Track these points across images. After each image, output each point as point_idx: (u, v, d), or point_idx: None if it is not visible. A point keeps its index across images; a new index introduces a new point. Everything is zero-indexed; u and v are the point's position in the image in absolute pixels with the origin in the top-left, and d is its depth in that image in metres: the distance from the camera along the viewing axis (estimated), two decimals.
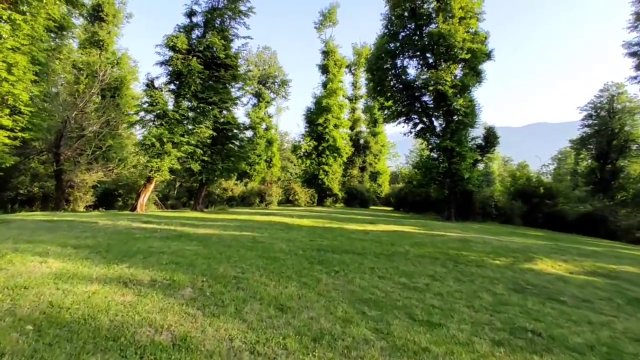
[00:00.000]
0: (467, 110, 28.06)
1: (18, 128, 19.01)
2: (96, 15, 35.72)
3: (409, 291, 7.24)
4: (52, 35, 25.68)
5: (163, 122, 21.25)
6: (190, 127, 21.97)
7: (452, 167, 27.88)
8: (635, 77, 31.25)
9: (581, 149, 45.43)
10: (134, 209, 21.12)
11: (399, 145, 70.52)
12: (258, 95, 50.70)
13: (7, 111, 18.65)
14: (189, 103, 22.50)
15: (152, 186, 21.66)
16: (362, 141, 51.76)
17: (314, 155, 42.59)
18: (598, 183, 41.15)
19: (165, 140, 20.62)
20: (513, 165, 66.29)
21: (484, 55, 28.64)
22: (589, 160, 46.28)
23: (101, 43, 35.31)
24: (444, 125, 29.43)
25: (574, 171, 54.31)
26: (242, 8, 23.86)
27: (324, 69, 43.18)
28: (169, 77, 22.48)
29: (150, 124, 21.40)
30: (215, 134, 22.70)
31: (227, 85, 23.61)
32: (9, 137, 18.33)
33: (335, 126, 43.30)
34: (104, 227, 12.38)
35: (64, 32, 26.50)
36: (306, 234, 13.96)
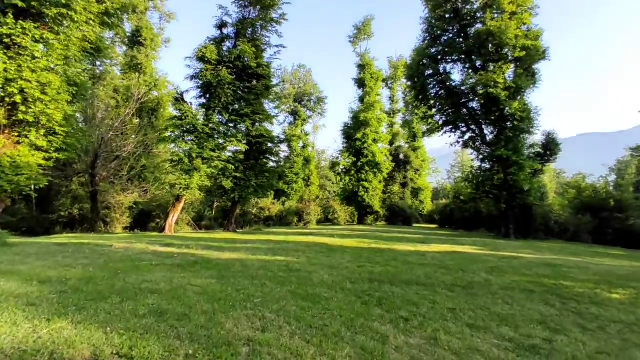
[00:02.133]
0: (522, 114, 24.57)
1: (52, 149, 17.70)
2: (135, 40, 35.43)
3: (529, 356, 4.36)
4: (90, 58, 25.11)
5: (193, 137, 19.42)
6: (221, 141, 20.01)
7: (509, 178, 24.30)
8: None
9: None
10: (162, 230, 19.19)
11: (438, 161, 66.67)
12: (294, 113, 49.07)
13: (43, 132, 17.40)
14: (220, 116, 20.63)
15: (181, 205, 19.70)
16: (402, 156, 48.52)
17: (352, 172, 39.89)
18: None
19: (194, 155, 18.72)
20: (566, 178, 60.39)
21: (539, 54, 25.18)
22: None
23: (140, 66, 34.82)
24: (496, 133, 25.97)
25: (638, 182, 48.41)
26: (274, 16, 22.03)
27: (360, 83, 40.83)
28: (198, 90, 20.77)
29: (180, 139, 19.56)
30: (247, 147, 20.60)
31: (260, 96, 21.58)
32: (44, 157, 17.03)
33: (374, 141, 40.54)
34: (113, 252, 10.22)
35: (101, 55, 25.71)
36: (352, 257, 11.18)
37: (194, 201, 30.66)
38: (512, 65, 24.50)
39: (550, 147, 27.23)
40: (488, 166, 26.54)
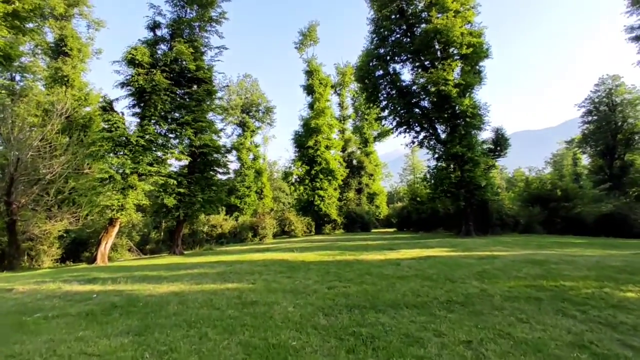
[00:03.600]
0: (473, 111, 24.21)
1: None
2: (60, 50, 31.65)
3: None
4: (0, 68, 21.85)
5: (126, 151, 16.76)
6: (159, 154, 17.47)
7: (466, 175, 23.72)
8: None
9: (584, 147, 41.80)
10: (92, 260, 16.23)
11: (390, 166, 66.70)
12: (242, 124, 46.69)
13: None
14: (157, 127, 18.12)
15: (115, 230, 16.85)
16: (355, 162, 47.54)
17: (307, 181, 38.12)
18: (608, 180, 37.39)
19: (128, 171, 16.07)
20: (508, 174, 62.61)
21: (484, 52, 25.03)
22: (590, 159, 42.79)
23: (66, 79, 31.03)
24: (449, 131, 25.41)
25: (575, 173, 50.86)
26: (213, 14, 19.95)
27: (309, 89, 39.39)
28: (131, 97, 18.18)
29: (110, 154, 16.81)
30: (190, 160, 18.23)
31: (202, 102, 19.30)
32: None
33: (327, 147, 39.12)
34: (9, 298, 7.67)
35: (11, 64, 22.20)
36: (318, 275, 9.34)
37: (136, 223, 27.42)
38: (460, 63, 24.06)
39: (499, 142, 27.19)
40: (444, 165, 25.87)
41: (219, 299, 6.85)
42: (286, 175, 41.58)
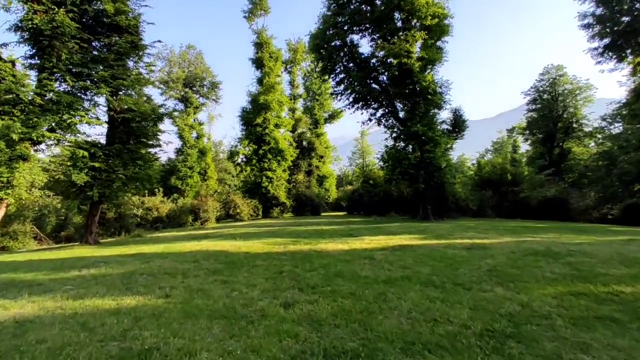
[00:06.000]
0: (435, 88, 22.22)
1: None
2: None
3: None
4: None
5: (15, 111, 12.51)
6: (65, 117, 13.31)
7: (425, 156, 21.76)
8: (595, 48, 27.58)
9: (527, 134, 42.11)
10: None
11: (339, 150, 64.49)
12: (185, 100, 41.76)
13: None
14: (63, 84, 13.92)
15: (1, 213, 12.60)
16: (305, 143, 44.49)
17: (254, 161, 34.57)
18: (548, 167, 37.86)
19: (15, 137, 11.89)
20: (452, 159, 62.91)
21: (447, 26, 22.98)
22: (532, 147, 43.35)
23: None
24: (409, 108, 23.24)
25: (513, 159, 51.83)
26: None
27: (258, 63, 35.47)
28: (25, 44, 13.74)
29: None
30: (105, 125, 14.26)
31: (124, 57, 15.20)
32: None
33: (276, 126, 35.70)
34: None
35: None
36: (267, 278, 6.40)
37: (47, 205, 22.55)
38: (424, 35, 21.74)
39: (458, 123, 25.54)
40: (403, 145, 23.74)
41: (91, 339, 3.70)
42: (232, 154, 37.59)
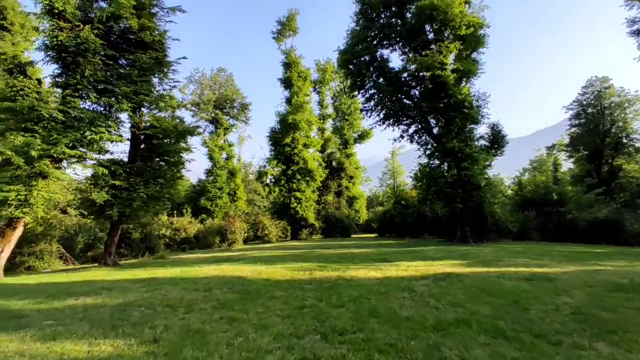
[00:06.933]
0: (471, 101, 20.67)
1: None
2: None
3: None
4: None
5: (37, 128, 12.11)
6: (86, 133, 12.82)
7: (463, 173, 19.99)
8: None
9: (571, 151, 39.07)
10: None
11: (368, 171, 62.84)
12: (215, 121, 41.98)
13: None
14: (87, 101, 13.54)
15: (16, 235, 12.00)
16: (334, 163, 43.31)
17: (282, 181, 33.69)
18: (597, 185, 34.68)
19: (34, 154, 11.40)
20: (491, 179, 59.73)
21: (482, 38, 21.55)
22: (575, 164, 40.17)
23: (3, 57, 25.73)
24: (443, 123, 21.69)
25: (555, 177, 48.43)
26: None
27: (287, 83, 35.10)
28: (52, 61, 13.54)
29: (12, 132, 12.13)
30: (124, 140, 13.67)
31: (148, 73, 14.75)
32: None
33: (305, 146, 34.86)
34: None
35: None
36: (284, 317, 5.08)
37: (88, 223, 22.10)
38: (459, 45, 20.39)
39: (496, 139, 23.63)
40: (438, 162, 22.09)
41: None
42: (260, 175, 36.93)
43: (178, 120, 16.77)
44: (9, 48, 26.64)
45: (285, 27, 35.32)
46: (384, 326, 4.46)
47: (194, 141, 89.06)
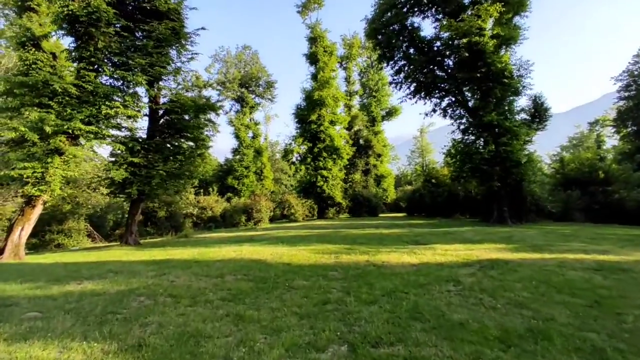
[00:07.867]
0: (511, 70, 18.66)
1: None
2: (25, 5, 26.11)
3: None
4: None
5: (52, 103, 11.52)
6: (101, 108, 12.13)
7: (501, 149, 18.23)
8: None
9: (619, 125, 35.69)
10: (0, 252, 11.04)
11: (396, 149, 60.77)
12: (241, 100, 41.13)
13: None
14: (102, 75, 12.82)
15: (35, 213, 11.61)
16: (362, 141, 41.73)
17: (309, 159, 32.71)
18: None
19: (49, 130, 10.83)
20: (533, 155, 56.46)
21: (524, 2, 19.26)
22: (621, 140, 36.82)
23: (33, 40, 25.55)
24: (480, 95, 19.81)
25: (599, 155, 44.94)
26: None
27: (312, 58, 33.59)
28: (62, 32, 12.86)
29: (26, 107, 11.60)
30: (140, 115, 12.92)
31: (164, 45, 13.82)
32: None
33: (331, 123, 33.51)
34: None
35: None
36: (302, 316, 4.04)
37: (119, 202, 21.96)
38: (500, 7, 18.22)
39: (539, 112, 21.48)
40: (473, 138, 20.36)
41: None
42: (286, 153, 35.99)
43: (197, 95, 15.95)
44: (37, 29, 26.51)
45: (310, 0, 33.49)
46: (431, 335, 3.37)
47: (220, 120, 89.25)
